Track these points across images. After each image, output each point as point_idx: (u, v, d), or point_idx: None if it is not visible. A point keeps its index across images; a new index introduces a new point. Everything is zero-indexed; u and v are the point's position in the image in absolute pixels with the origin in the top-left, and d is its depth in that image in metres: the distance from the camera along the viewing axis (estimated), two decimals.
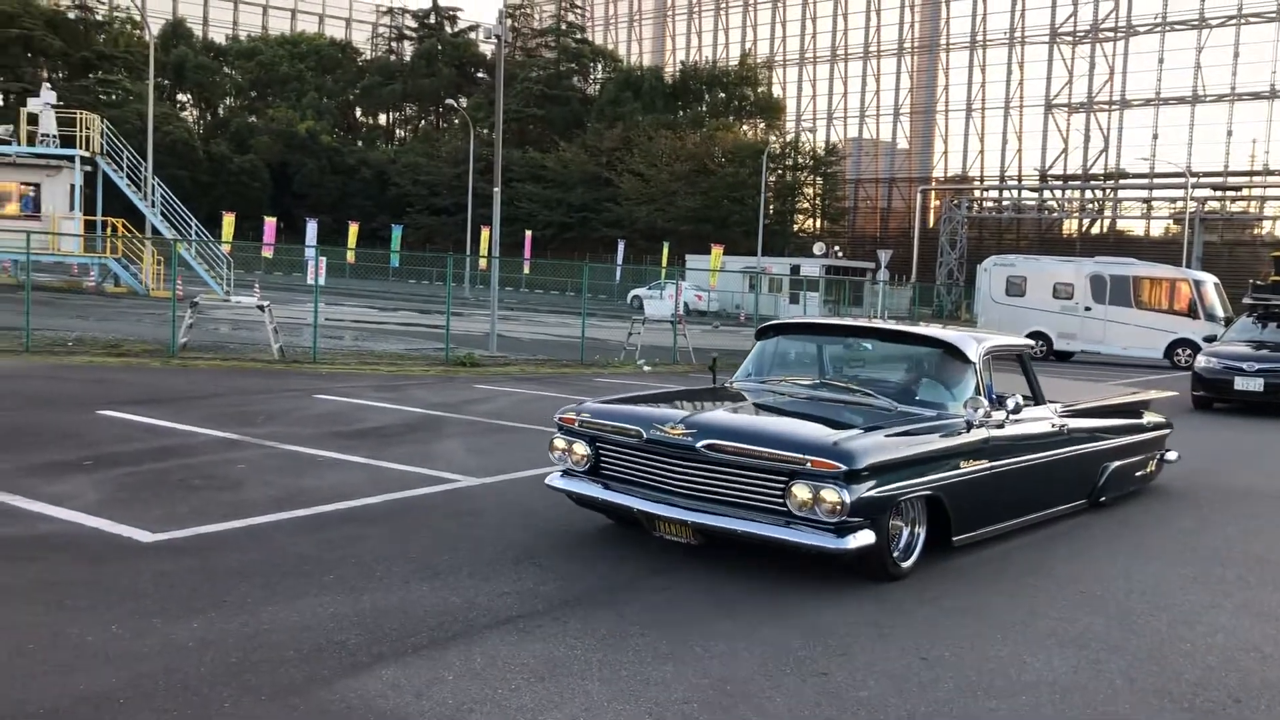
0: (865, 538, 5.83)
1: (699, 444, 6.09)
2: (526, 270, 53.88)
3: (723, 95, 78.35)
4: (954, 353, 7.26)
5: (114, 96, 69.10)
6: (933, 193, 70.53)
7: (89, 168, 34.49)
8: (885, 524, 6.03)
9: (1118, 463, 8.68)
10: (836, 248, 58.80)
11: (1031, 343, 8.82)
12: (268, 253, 41.99)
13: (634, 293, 45.66)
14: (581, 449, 6.76)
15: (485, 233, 47.91)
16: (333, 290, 26.65)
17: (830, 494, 5.69)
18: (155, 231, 33.94)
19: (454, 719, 4.14)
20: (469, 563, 6.30)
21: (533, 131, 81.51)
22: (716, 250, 44.08)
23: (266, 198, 71.43)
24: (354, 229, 49.04)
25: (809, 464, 5.74)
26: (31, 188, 33.61)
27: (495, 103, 26.12)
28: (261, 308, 18.39)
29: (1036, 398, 7.82)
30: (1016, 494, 7.29)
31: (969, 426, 6.69)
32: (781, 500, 5.85)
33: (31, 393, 12.58)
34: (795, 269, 47.06)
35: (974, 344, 7.26)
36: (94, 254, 33.45)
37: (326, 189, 76.21)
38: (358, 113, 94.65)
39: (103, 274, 34.03)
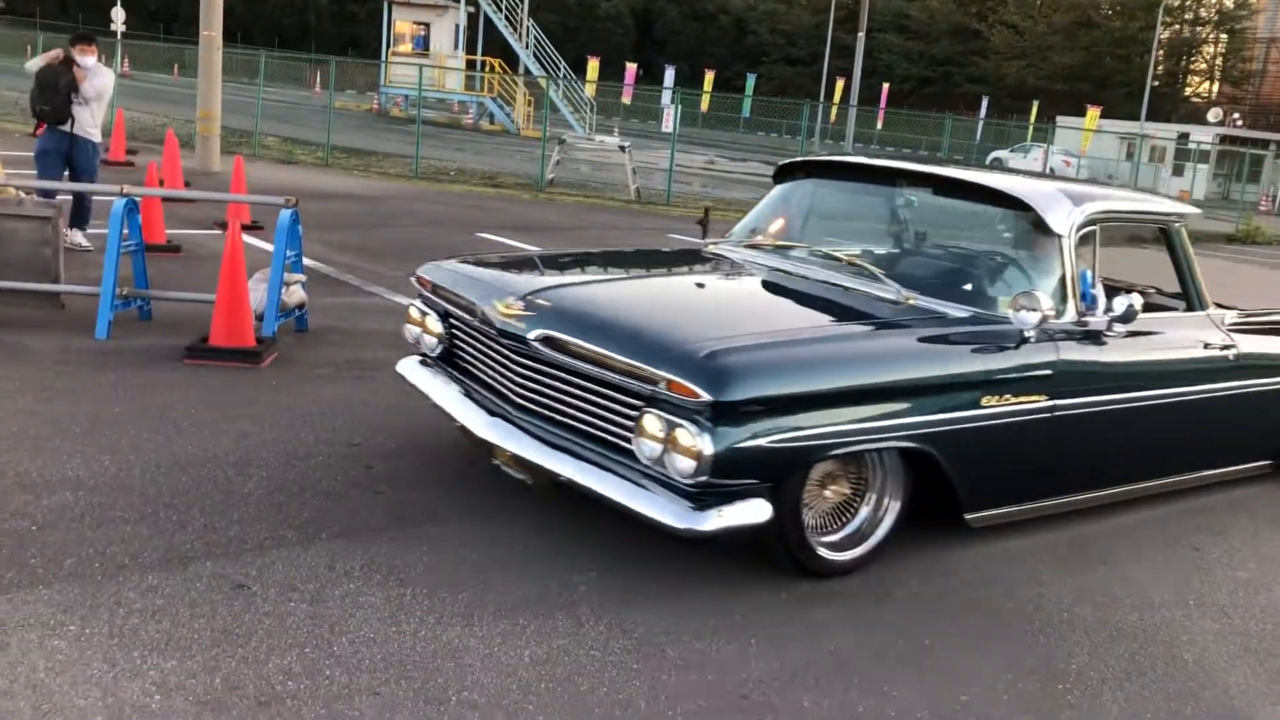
0: (742, 513, 3.54)
1: (532, 334, 3.95)
2: (880, 125, 52.17)
3: None
4: (1027, 216, 4.50)
5: None
6: None
7: (472, 9, 36.58)
8: (795, 491, 3.71)
9: None
10: (1236, 115, 52.39)
11: (1188, 209, 5.20)
12: (626, 98, 43.11)
13: (994, 155, 43.11)
14: (435, 325, 4.66)
15: (840, 84, 46.66)
16: (685, 139, 27.16)
17: (686, 437, 3.44)
18: (528, 73, 35.70)
19: None
20: None
21: None
22: (1093, 112, 40.46)
23: (629, 44, 73.04)
24: (709, 77, 49.21)
25: (664, 384, 3.48)
26: (422, 27, 36.20)
27: None
28: (623, 148, 19.04)
29: (1190, 299, 4.99)
30: (1115, 451, 4.59)
31: (1020, 339, 4.09)
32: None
33: (422, 213, 13.83)
34: (1183, 137, 42.51)
35: (1064, 204, 4.47)
36: (473, 93, 35.75)
37: (685, 36, 76.75)
38: None
39: (480, 112, 36.37)
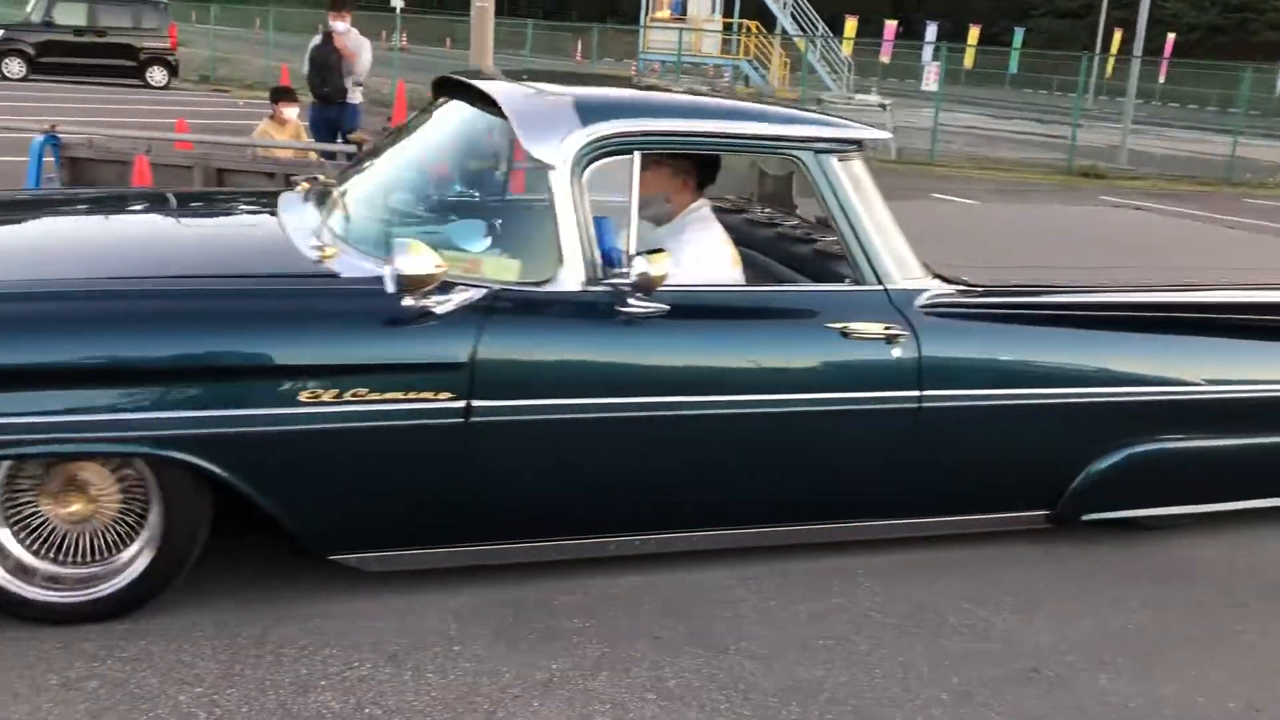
0: None
1: None
2: (1162, 79, 48.34)
3: None
4: (506, 129, 3.21)
5: None
6: None
7: None
8: None
9: (1159, 443, 3.53)
10: None
11: (865, 134, 3.48)
12: (885, 56, 41.88)
13: None
14: None
15: (1117, 36, 43.51)
16: (948, 97, 26.20)
17: None
18: (784, 33, 35.31)
19: None
20: None
21: None
22: None
23: (888, 1, 70.86)
24: (974, 32, 47.01)
25: None
26: None
27: None
28: (883, 106, 18.56)
29: (854, 263, 3.29)
30: (622, 481, 3.14)
31: (409, 313, 2.81)
32: None
33: None
34: None
35: (560, 122, 3.07)
36: (728, 56, 35.72)
37: None
38: None
39: (735, 75, 36.31)
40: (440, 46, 35.16)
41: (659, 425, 3.05)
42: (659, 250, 2.96)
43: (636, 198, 3.07)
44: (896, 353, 3.19)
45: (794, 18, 35.79)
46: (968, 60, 44.79)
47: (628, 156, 3.07)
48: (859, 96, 21.72)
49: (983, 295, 3.41)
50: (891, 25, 42.34)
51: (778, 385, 3.15)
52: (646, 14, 36.49)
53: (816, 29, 35.86)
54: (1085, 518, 3.60)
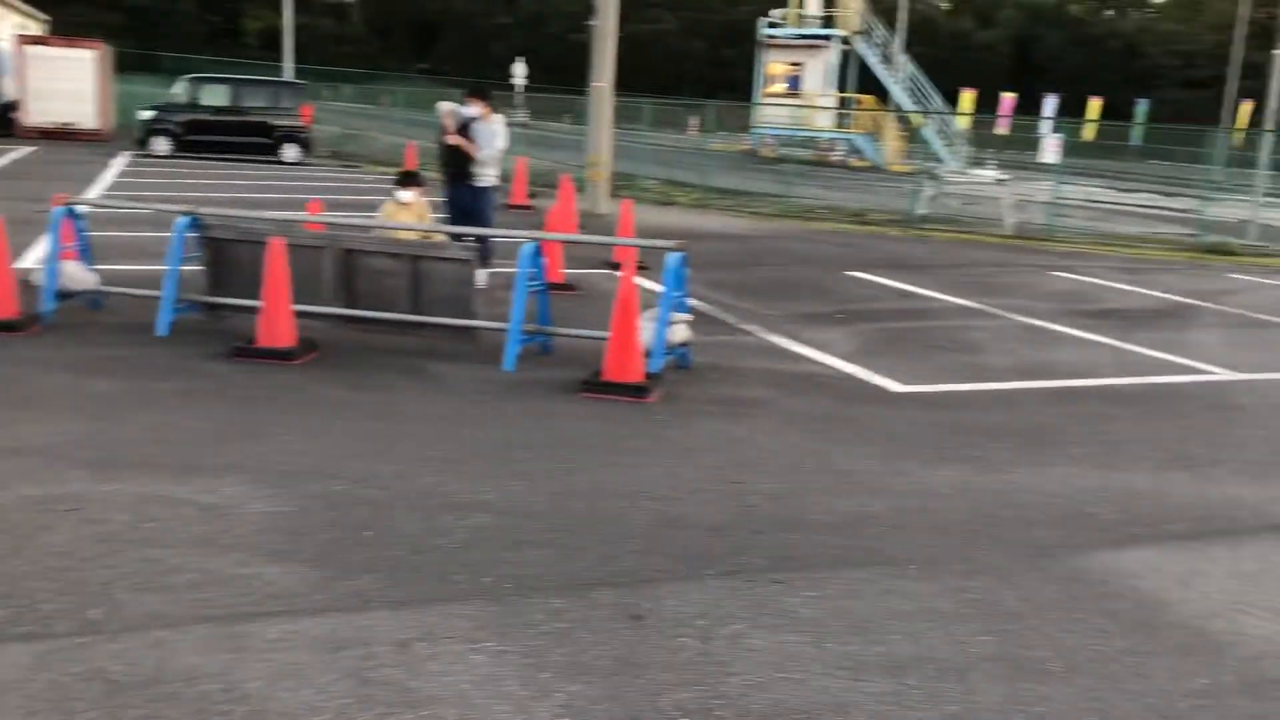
0: None
1: None
2: None
3: None
4: None
5: None
6: None
7: (846, 46, 36.65)
8: None
9: None
10: None
11: None
12: (1002, 129, 41.44)
13: None
14: None
15: (1244, 107, 42.28)
16: (1068, 169, 25.75)
17: None
18: (898, 107, 35.26)
19: (1223, 616, 3.83)
20: (1228, 459, 5.76)
21: None
22: None
23: (1004, 73, 70.27)
24: (1094, 104, 46.29)
25: None
26: (795, 67, 36.71)
27: None
28: (1001, 181, 18.33)
29: None
30: None
31: None
32: None
33: (792, 252, 13.98)
34: None
35: None
36: (842, 130, 35.78)
37: (1068, 63, 72.50)
38: None
39: (849, 149, 36.34)
40: (557, 121, 36.04)
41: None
42: None
43: None
44: None
45: (911, 92, 35.72)
46: (1088, 133, 44.02)
47: None
48: (974, 170, 21.50)
49: None
50: (1008, 98, 42.02)
51: None
52: (760, 89, 36.88)
53: (931, 102, 35.71)
54: None
